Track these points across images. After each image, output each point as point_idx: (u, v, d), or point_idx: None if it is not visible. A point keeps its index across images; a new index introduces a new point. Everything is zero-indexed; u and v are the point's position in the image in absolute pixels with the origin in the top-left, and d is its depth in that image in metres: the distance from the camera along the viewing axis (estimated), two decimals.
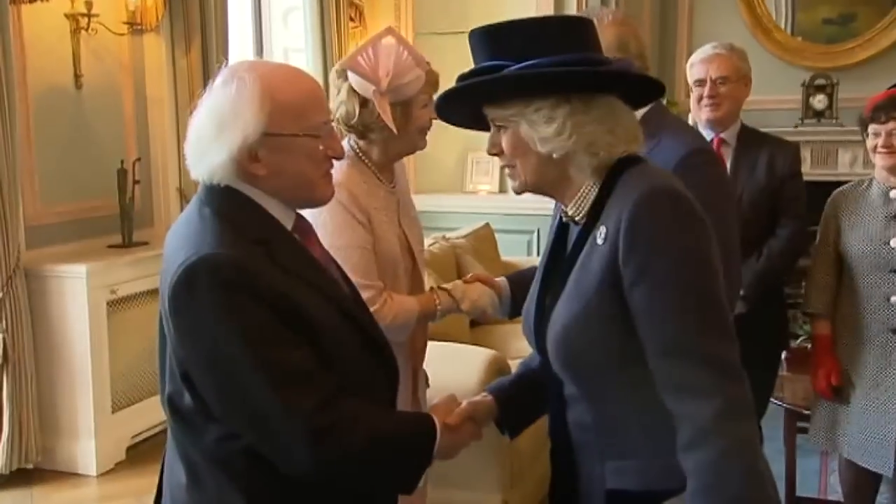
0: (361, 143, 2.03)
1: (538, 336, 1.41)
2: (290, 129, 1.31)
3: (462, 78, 1.37)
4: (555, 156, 1.31)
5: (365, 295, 1.90)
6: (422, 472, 1.38)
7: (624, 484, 1.33)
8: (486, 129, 1.40)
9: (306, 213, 1.56)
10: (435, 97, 1.99)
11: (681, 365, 1.21)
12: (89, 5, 3.70)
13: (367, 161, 2.03)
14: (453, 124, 1.49)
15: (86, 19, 3.72)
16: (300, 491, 1.32)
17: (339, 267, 1.56)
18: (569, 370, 1.33)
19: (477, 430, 1.50)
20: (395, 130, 1.94)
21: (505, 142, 1.35)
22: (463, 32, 5.61)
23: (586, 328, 1.28)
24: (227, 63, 1.39)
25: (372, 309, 1.89)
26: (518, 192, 1.40)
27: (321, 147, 1.35)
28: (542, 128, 1.29)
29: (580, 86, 1.29)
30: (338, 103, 1.99)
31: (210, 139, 1.30)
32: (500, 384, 1.61)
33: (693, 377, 1.20)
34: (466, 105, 1.40)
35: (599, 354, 1.28)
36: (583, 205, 1.34)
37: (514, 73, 1.29)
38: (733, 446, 1.19)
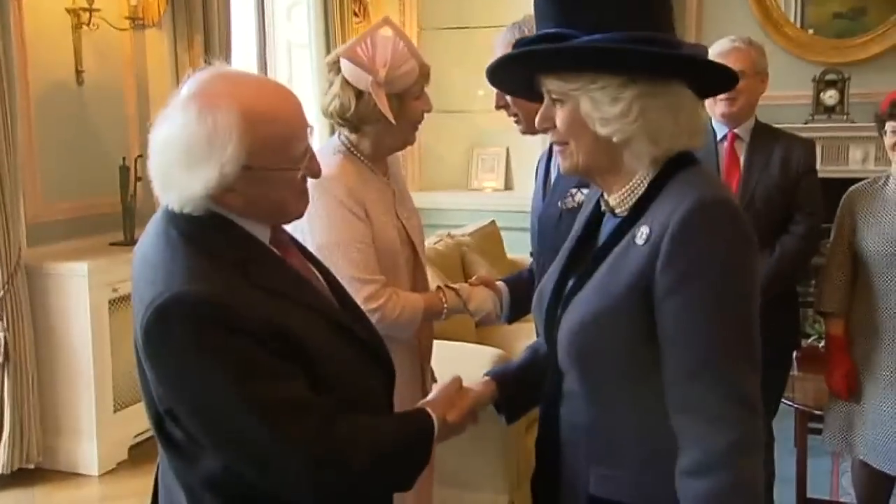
0: (352, 137, 2.01)
1: (548, 322, 1.35)
2: (271, 164, 1.22)
3: (524, 44, 1.27)
4: (614, 139, 1.21)
5: (368, 290, 1.88)
6: (420, 471, 1.33)
7: (608, 493, 1.27)
8: (538, 99, 1.31)
9: None
10: (423, 89, 1.96)
11: (705, 387, 1.15)
12: (90, 0, 3.66)
13: (358, 154, 2.01)
14: (503, 91, 1.40)
15: (87, 14, 3.69)
16: None
17: (325, 273, 1.47)
18: (576, 364, 1.26)
19: (474, 419, 1.46)
20: (392, 121, 1.91)
21: (561, 117, 1.25)
22: (467, 28, 5.64)
23: (605, 326, 1.21)
24: (190, 75, 1.27)
25: (376, 304, 1.87)
26: (567, 174, 1.33)
27: (300, 175, 1.27)
28: (606, 107, 1.19)
29: (656, 67, 1.19)
30: (331, 97, 1.96)
31: (181, 170, 1.19)
32: (505, 370, 1.55)
33: (715, 403, 1.15)
34: (524, 72, 1.29)
35: (612, 355, 1.22)
36: (629, 198, 1.26)
37: (589, 44, 1.18)
38: (739, 482, 1.14)
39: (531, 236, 2.17)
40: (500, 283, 2.10)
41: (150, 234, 1.30)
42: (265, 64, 5.11)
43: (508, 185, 5.67)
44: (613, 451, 1.27)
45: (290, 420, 1.17)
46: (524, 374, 1.53)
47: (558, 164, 1.97)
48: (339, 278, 1.86)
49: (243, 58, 4.83)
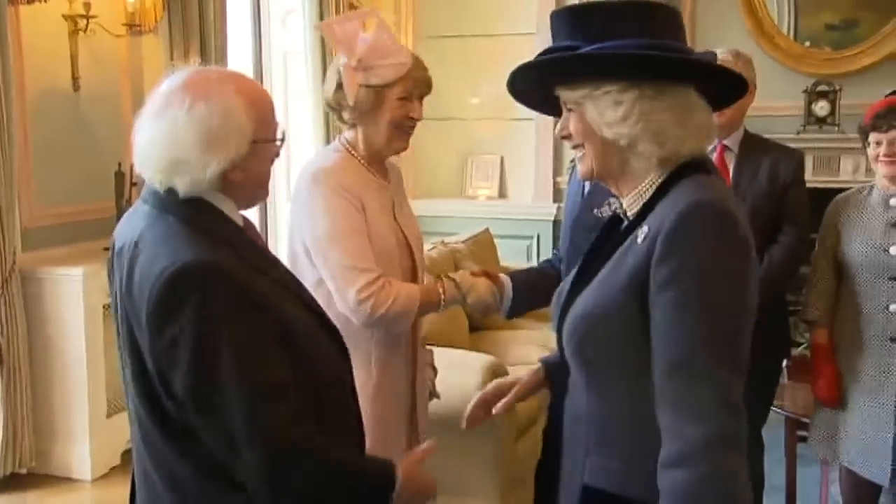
0: (350, 137, 2.06)
1: (560, 321, 1.40)
2: (266, 136, 1.39)
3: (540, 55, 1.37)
4: (621, 143, 1.29)
5: (363, 280, 1.89)
6: None
7: (601, 483, 1.31)
8: (558, 114, 1.40)
9: (299, 204, 1.79)
10: (413, 95, 2.00)
11: (684, 382, 1.18)
12: (87, 6, 3.69)
13: (355, 154, 2.05)
14: (525, 104, 1.49)
15: (84, 21, 3.71)
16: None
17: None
18: (575, 354, 1.33)
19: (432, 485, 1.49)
20: (350, 101, 1.96)
21: (573, 125, 1.34)
22: (463, 36, 5.65)
23: (603, 321, 1.27)
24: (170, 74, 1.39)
25: (369, 293, 1.88)
26: (583, 179, 1.42)
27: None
28: (609, 112, 1.27)
29: (650, 71, 1.26)
30: (326, 83, 2.05)
31: (197, 153, 1.31)
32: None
33: (693, 398, 1.18)
34: (539, 85, 1.39)
35: (608, 350, 1.28)
36: (638, 201, 1.32)
37: (584, 52, 1.27)
38: (715, 474, 1.16)
39: (561, 239, 2.18)
40: (503, 276, 2.11)
41: (138, 224, 1.37)
42: (261, 70, 5.14)
43: (503, 193, 5.70)
44: (608, 442, 1.31)
45: (272, 402, 1.25)
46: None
47: None
48: (331, 269, 1.92)
49: (239, 64, 4.85)
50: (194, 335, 1.24)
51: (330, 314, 1.90)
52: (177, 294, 1.24)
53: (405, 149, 2.10)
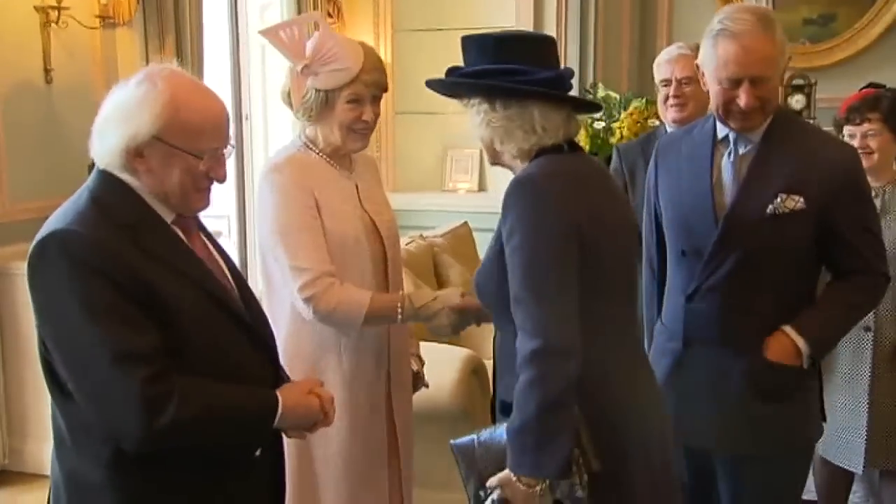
0: (310, 132, 2.06)
1: None
2: (177, 143, 1.42)
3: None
4: (485, 141, 1.68)
5: (303, 279, 1.89)
6: (254, 446, 1.49)
7: (507, 397, 1.60)
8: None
9: (258, 204, 1.82)
10: (364, 98, 2.01)
11: (520, 311, 1.53)
12: None
13: (314, 149, 2.05)
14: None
15: (56, 12, 3.66)
16: (157, 460, 1.40)
17: (230, 267, 1.61)
18: (481, 302, 1.77)
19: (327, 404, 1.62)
20: (290, 107, 2.02)
21: None
22: (441, 30, 5.65)
23: (485, 273, 1.67)
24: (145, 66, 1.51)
25: (310, 293, 1.88)
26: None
27: (202, 168, 1.46)
28: (473, 119, 1.67)
29: (476, 93, 1.64)
30: (284, 81, 2.06)
31: (112, 124, 1.43)
32: None
33: (527, 321, 1.52)
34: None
35: (491, 294, 1.65)
36: None
37: (435, 79, 1.72)
38: (537, 377, 1.49)
39: (654, 239, 2.16)
40: None
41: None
42: (238, 64, 5.09)
43: (482, 187, 5.70)
44: (508, 365, 1.61)
45: (133, 362, 1.32)
46: None
47: (735, 158, 1.95)
48: (280, 268, 1.93)
49: (216, 58, 4.81)
50: (52, 299, 1.35)
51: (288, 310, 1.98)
52: (41, 260, 1.35)
53: (362, 148, 2.10)
